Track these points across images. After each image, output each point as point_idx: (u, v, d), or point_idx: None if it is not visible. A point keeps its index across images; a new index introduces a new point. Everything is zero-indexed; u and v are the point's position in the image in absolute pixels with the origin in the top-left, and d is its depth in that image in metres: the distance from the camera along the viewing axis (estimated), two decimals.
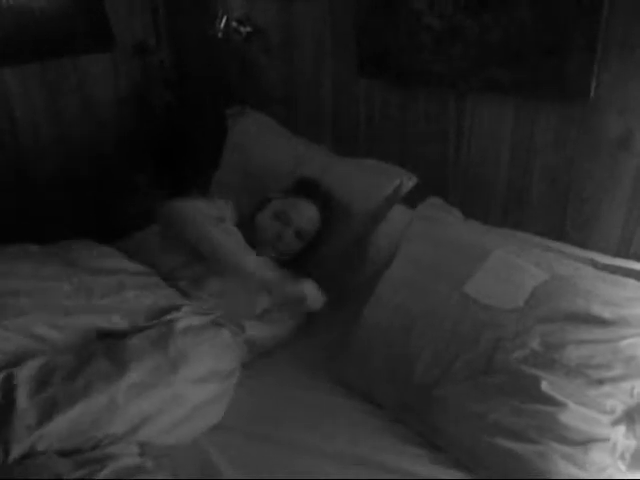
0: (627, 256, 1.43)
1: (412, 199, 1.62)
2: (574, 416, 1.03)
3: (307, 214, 1.58)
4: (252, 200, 1.72)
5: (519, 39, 1.44)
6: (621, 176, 1.42)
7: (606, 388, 1.05)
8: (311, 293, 1.44)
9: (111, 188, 2.36)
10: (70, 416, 1.04)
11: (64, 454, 1.03)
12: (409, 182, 1.62)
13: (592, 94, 1.38)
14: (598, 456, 1.02)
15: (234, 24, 2.08)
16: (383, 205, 1.61)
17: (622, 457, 1.04)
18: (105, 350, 1.18)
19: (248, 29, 2.08)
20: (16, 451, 0.99)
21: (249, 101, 2.10)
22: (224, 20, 2.08)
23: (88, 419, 1.05)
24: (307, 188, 1.63)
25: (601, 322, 1.12)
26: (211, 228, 1.45)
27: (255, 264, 1.43)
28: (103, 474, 0.99)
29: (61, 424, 1.03)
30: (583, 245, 1.47)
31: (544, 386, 1.06)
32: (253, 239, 1.54)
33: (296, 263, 1.58)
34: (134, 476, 1.00)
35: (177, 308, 1.31)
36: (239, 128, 1.96)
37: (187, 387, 1.18)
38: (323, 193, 1.63)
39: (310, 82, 2.02)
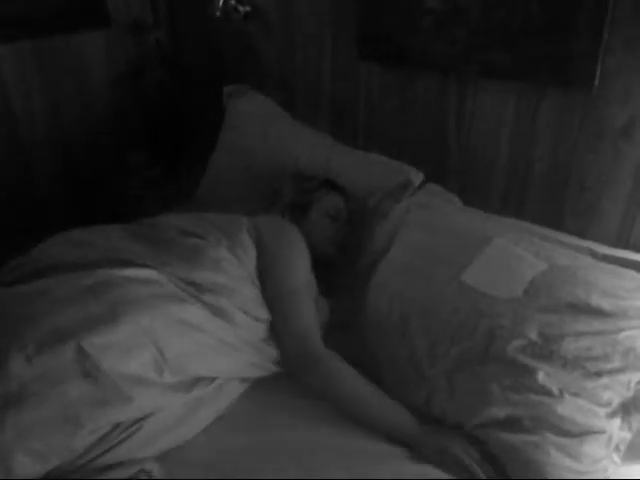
0: (626, 247, 1.42)
1: None
2: (570, 407, 1.03)
3: (336, 198, 1.60)
4: (254, 185, 1.69)
5: (522, 21, 1.41)
6: (623, 166, 1.40)
7: (603, 380, 1.05)
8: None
9: (105, 168, 2.33)
10: None
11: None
12: (416, 179, 1.59)
13: (597, 81, 1.35)
14: (593, 448, 1.01)
15: (233, 3, 2.03)
16: (388, 202, 1.58)
17: (617, 449, 1.04)
18: None
19: (247, 8, 2.04)
20: None
21: (246, 81, 2.07)
22: None
23: None
24: (331, 182, 1.63)
25: (600, 313, 1.11)
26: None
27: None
28: (99, 460, 0.98)
29: None
30: (582, 234, 1.46)
31: (541, 377, 1.05)
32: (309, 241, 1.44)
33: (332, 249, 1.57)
34: (130, 463, 0.99)
35: None
36: (238, 109, 1.93)
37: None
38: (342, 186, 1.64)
39: (309, 63, 1.98)
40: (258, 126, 1.86)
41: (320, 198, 1.58)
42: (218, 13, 2.06)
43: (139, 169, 2.31)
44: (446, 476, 1.03)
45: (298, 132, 1.82)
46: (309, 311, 1.28)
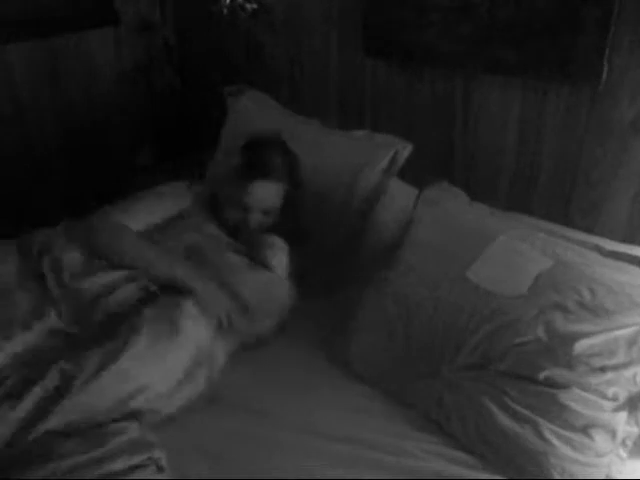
0: (633, 242, 1.42)
1: (418, 181, 1.60)
2: (576, 400, 1.03)
3: (263, 195, 1.50)
4: None
5: (529, 17, 1.41)
6: (630, 161, 1.40)
7: (609, 375, 1.05)
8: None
9: (112, 166, 2.34)
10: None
11: (66, 434, 1.03)
12: (404, 150, 1.59)
13: (604, 77, 1.35)
14: (598, 441, 1.02)
15: (240, 0, 2.04)
16: (381, 178, 1.59)
17: (624, 444, 1.05)
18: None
19: (254, 6, 2.04)
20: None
21: (253, 79, 2.07)
22: None
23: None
24: (256, 167, 1.52)
25: (604, 310, 1.11)
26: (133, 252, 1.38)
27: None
28: (106, 448, 0.99)
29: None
30: (589, 230, 1.46)
31: (546, 373, 1.06)
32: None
33: (286, 228, 1.54)
34: (138, 451, 1.00)
35: None
36: (237, 107, 1.94)
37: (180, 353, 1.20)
38: (276, 163, 1.52)
39: (316, 61, 1.99)
40: (255, 122, 1.86)
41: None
42: (225, 11, 2.07)
43: (146, 166, 2.32)
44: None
45: (288, 122, 1.82)
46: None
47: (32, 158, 2.18)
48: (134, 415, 1.11)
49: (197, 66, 2.42)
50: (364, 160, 1.61)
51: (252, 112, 1.90)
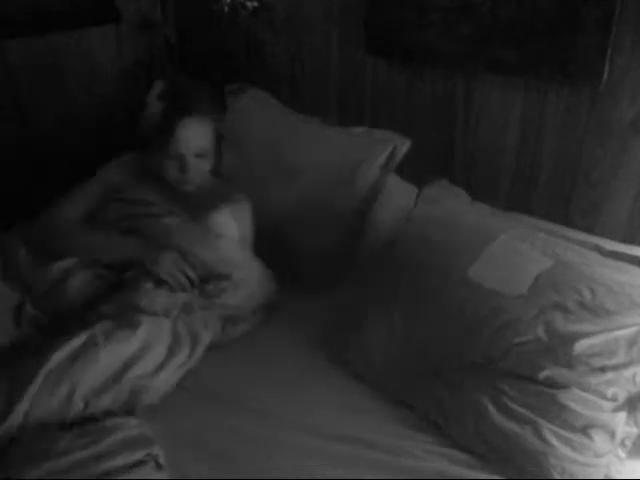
0: (634, 242, 1.41)
1: (418, 180, 1.60)
2: (575, 400, 1.03)
3: (189, 135, 1.45)
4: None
5: (530, 17, 1.41)
6: (630, 161, 1.40)
7: (608, 375, 1.05)
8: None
9: None
10: None
11: (62, 427, 1.04)
12: (403, 146, 1.59)
13: (605, 77, 1.35)
14: (597, 441, 1.02)
15: None
16: (380, 174, 1.59)
17: (623, 444, 1.05)
18: None
19: (254, 4, 2.04)
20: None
21: (254, 77, 2.07)
22: None
23: None
24: (176, 108, 1.48)
25: (605, 310, 1.11)
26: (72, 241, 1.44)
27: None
28: (104, 444, 0.99)
29: None
30: (589, 230, 1.46)
31: (546, 373, 1.06)
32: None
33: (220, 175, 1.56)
34: (136, 447, 1.00)
35: None
36: (238, 105, 1.94)
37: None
38: (196, 97, 1.51)
39: (316, 59, 1.99)
40: (255, 120, 1.87)
41: None
42: (226, 9, 2.07)
43: None
44: None
45: (287, 119, 1.82)
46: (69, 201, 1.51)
47: (32, 157, 2.18)
48: (131, 401, 1.13)
49: (198, 64, 2.42)
50: (362, 156, 1.61)
51: (252, 111, 1.90)
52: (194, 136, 1.46)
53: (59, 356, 1.12)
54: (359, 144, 1.66)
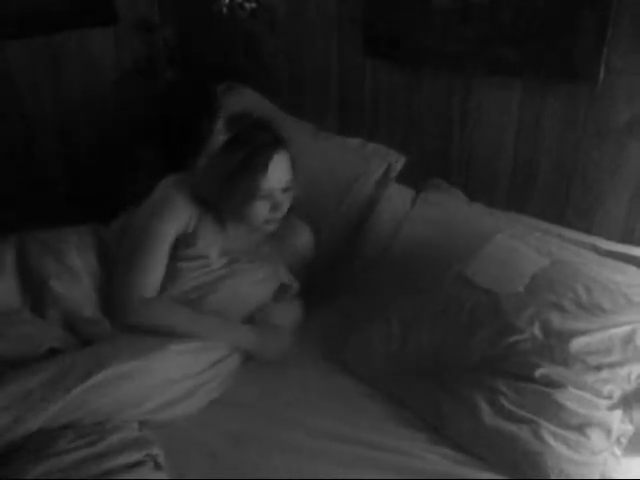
0: (630, 243, 1.42)
1: (416, 181, 1.61)
2: (571, 399, 1.04)
3: (283, 167, 1.33)
4: None
5: (529, 18, 1.41)
6: (627, 163, 1.41)
7: (604, 374, 1.05)
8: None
9: (113, 164, 2.34)
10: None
11: (65, 426, 1.04)
12: (397, 164, 1.59)
13: (601, 77, 1.36)
14: (593, 440, 1.02)
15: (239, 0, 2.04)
16: (374, 190, 1.58)
17: (618, 442, 1.05)
18: None
19: (253, 5, 2.04)
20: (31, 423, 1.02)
21: (253, 78, 2.07)
22: None
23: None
24: (267, 141, 1.33)
25: (600, 308, 1.12)
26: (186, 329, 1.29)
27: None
28: (104, 444, 1.00)
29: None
30: (587, 230, 1.47)
31: (542, 372, 1.06)
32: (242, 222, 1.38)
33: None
34: (136, 448, 1.01)
35: None
36: (229, 105, 1.92)
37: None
38: (276, 130, 1.37)
39: (316, 61, 1.99)
40: None
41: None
42: (224, 10, 2.07)
43: (147, 165, 2.32)
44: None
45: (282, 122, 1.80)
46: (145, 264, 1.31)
47: (32, 156, 2.18)
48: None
49: (197, 65, 2.42)
50: (357, 172, 1.59)
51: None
52: (285, 169, 1.34)
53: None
54: (354, 159, 1.63)
